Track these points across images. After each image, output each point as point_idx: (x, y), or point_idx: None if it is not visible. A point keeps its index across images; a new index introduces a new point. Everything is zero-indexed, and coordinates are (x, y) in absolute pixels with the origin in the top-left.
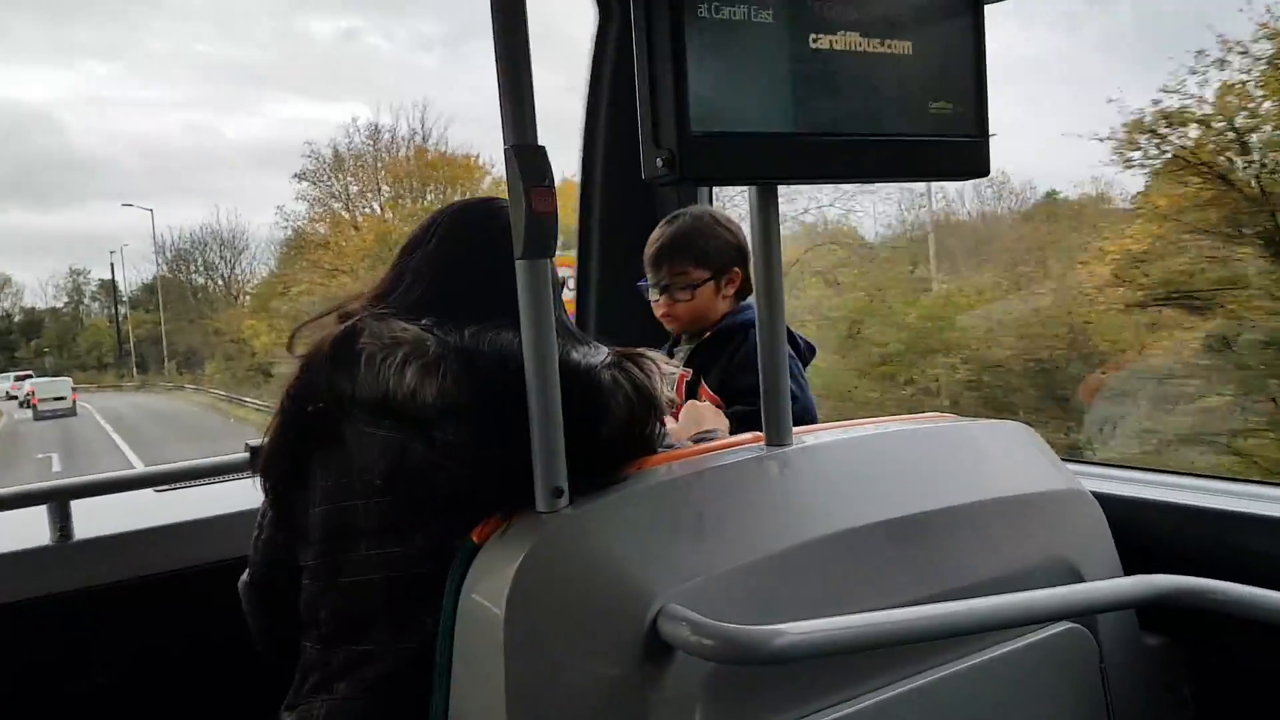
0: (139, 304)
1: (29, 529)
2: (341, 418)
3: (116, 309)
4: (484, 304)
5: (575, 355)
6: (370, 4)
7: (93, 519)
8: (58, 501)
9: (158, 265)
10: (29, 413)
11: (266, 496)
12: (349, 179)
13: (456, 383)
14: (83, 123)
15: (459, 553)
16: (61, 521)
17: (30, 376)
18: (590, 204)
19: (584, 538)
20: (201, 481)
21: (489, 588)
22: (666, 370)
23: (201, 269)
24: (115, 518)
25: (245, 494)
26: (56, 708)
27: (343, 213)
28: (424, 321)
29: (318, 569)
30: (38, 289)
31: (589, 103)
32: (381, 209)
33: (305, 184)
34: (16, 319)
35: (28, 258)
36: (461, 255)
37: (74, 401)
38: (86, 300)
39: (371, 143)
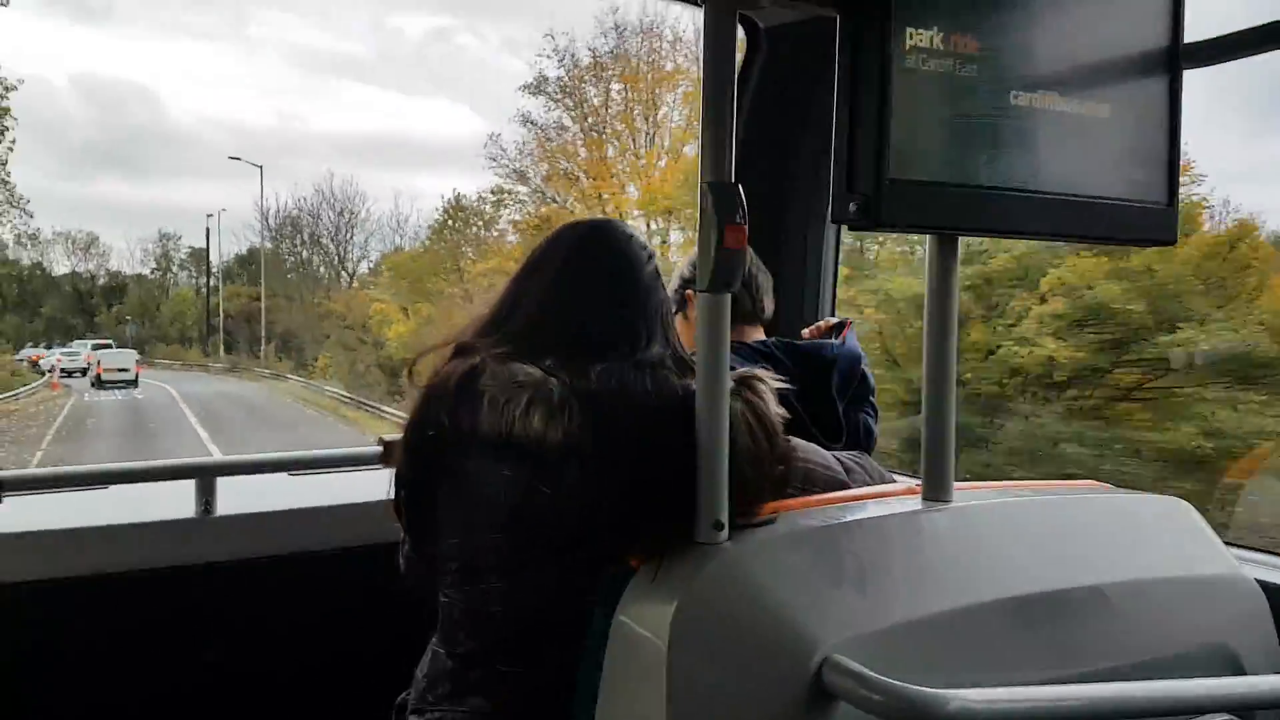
0: (232, 276)
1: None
2: (465, 453)
3: (208, 278)
4: (607, 337)
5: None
6: (463, 4)
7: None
8: (204, 478)
9: (262, 232)
10: (102, 392)
11: (402, 518)
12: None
13: (581, 426)
14: (179, 101)
15: (610, 579)
16: (206, 496)
17: (109, 346)
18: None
19: (745, 573)
20: (333, 470)
21: (648, 615)
22: (775, 386)
23: (307, 242)
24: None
25: (373, 484)
26: (188, 670)
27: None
28: (547, 363)
29: (451, 595)
30: (125, 253)
31: None
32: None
33: (542, 98)
34: (101, 281)
35: (117, 225)
36: (585, 286)
37: (137, 374)
38: (175, 268)
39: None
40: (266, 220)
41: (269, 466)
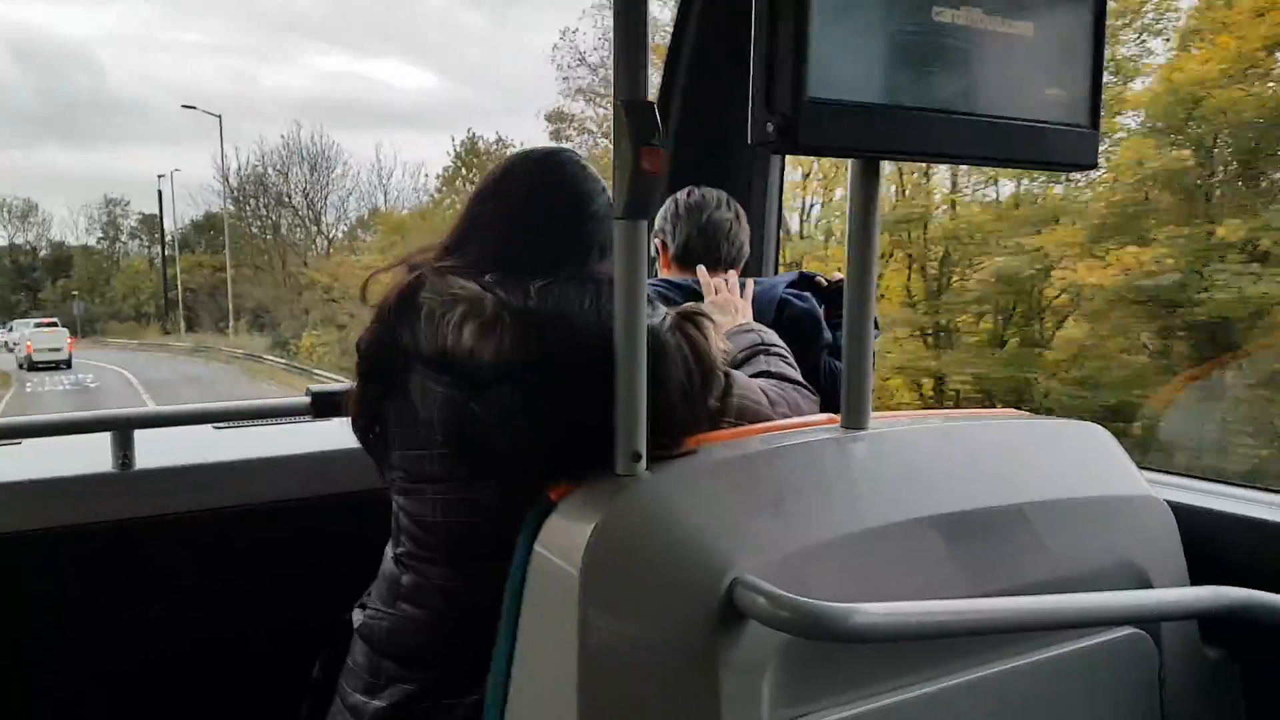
0: (190, 245)
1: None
2: (407, 369)
3: (162, 248)
4: (550, 258)
5: (650, 324)
6: None
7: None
8: (121, 430)
9: (224, 194)
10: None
11: (360, 439)
12: None
13: (514, 344)
14: (122, 64)
15: (532, 508)
16: (124, 450)
17: (55, 325)
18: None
19: (661, 503)
20: (260, 422)
21: (564, 545)
22: (720, 322)
23: (274, 204)
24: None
25: (303, 436)
26: (111, 630)
27: None
28: (487, 278)
29: (399, 501)
30: (68, 222)
31: (667, 64)
32: None
33: None
34: (42, 253)
35: (60, 195)
36: (529, 208)
37: (70, 353)
38: (124, 238)
39: None
40: (227, 180)
41: (190, 418)
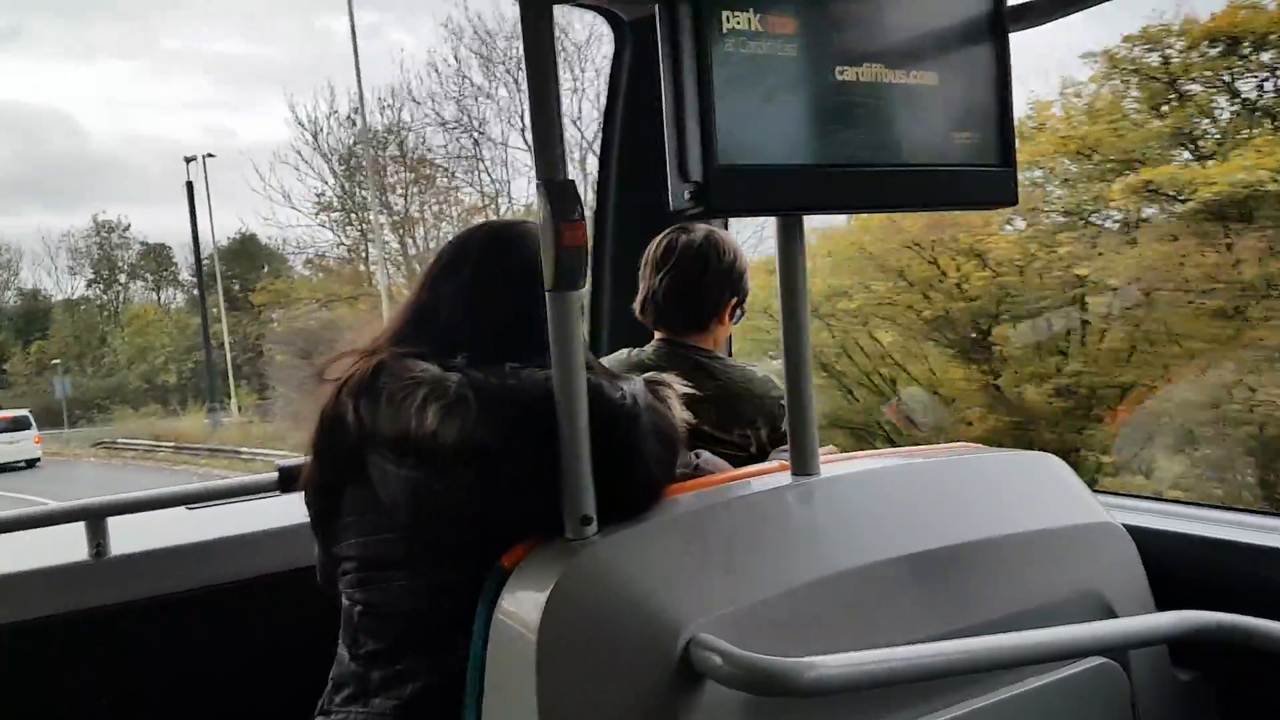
0: (230, 275)
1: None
2: (367, 453)
3: (200, 275)
4: (523, 338)
5: (611, 392)
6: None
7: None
8: (94, 519)
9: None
10: None
11: (311, 521)
12: None
13: (477, 422)
14: (102, 124)
15: (489, 577)
16: (98, 538)
17: (23, 421)
18: (604, 226)
19: (614, 565)
20: (232, 500)
21: (521, 612)
22: (682, 391)
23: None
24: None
25: (273, 511)
26: (92, 718)
27: None
28: (455, 361)
29: (354, 595)
30: (43, 257)
31: (604, 126)
32: None
33: None
34: (8, 303)
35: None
36: (499, 287)
37: (39, 454)
38: (122, 278)
39: None
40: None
41: (163, 503)
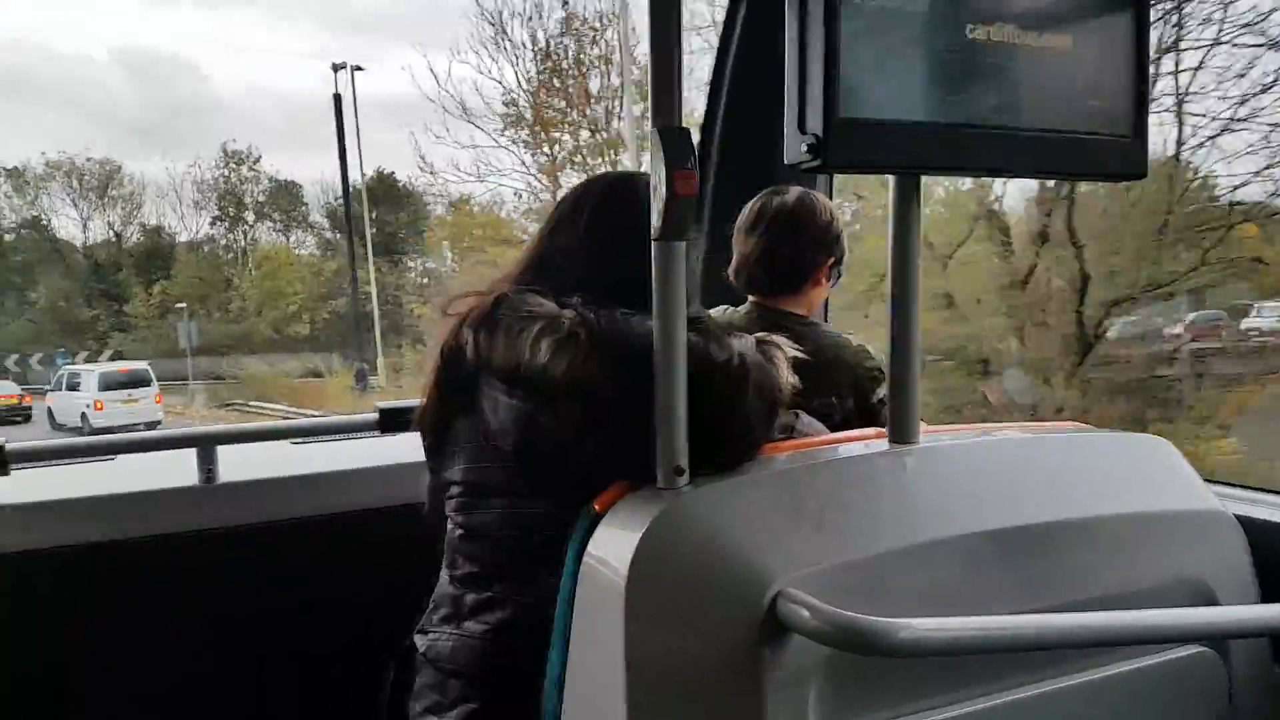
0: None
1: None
2: (480, 383)
3: (348, 200)
4: (636, 288)
5: (718, 347)
6: None
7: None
8: (204, 446)
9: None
10: None
11: (425, 452)
12: None
13: (587, 360)
14: (223, 72)
15: (580, 519)
16: (208, 465)
17: (137, 376)
18: (704, 186)
19: (705, 516)
20: (334, 437)
21: (611, 556)
22: (791, 354)
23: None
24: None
25: (372, 451)
26: (196, 635)
27: None
28: (573, 300)
29: (456, 519)
30: (169, 191)
31: (712, 81)
32: None
33: None
34: (131, 241)
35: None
36: (614, 236)
37: (159, 406)
38: (249, 216)
39: None
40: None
41: (269, 435)
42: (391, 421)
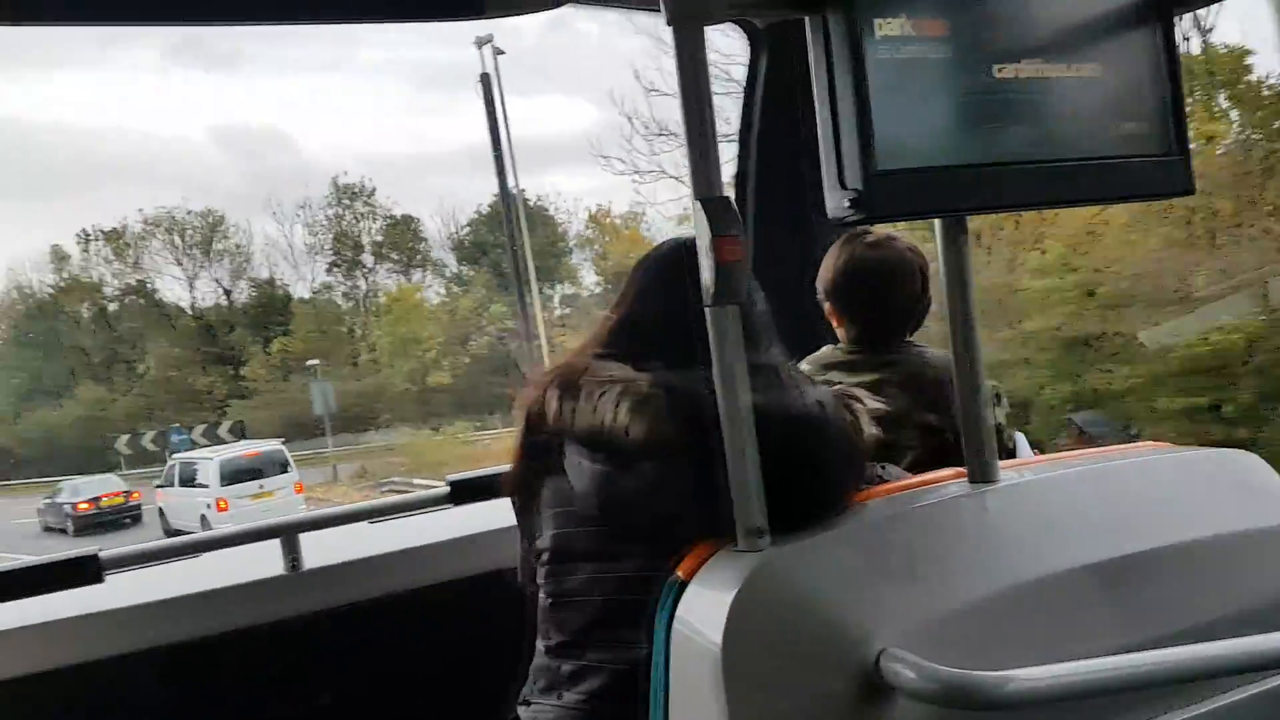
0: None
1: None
2: (564, 447)
3: (506, 202)
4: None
5: (800, 402)
6: None
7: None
8: (289, 535)
9: None
10: None
11: (516, 517)
12: None
13: (664, 420)
14: (311, 137)
15: (664, 586)
16: (293, 553)
17: (280, 461)
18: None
19: (793, 576)
20: (408, 514)
21: (703, 623)
22: (872, 407)
23: None
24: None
25: (445, 524)
26: None
27: None
28: (651, 363)
29: (546, 586)
30: (277, 238)
31: (741, 133)
32: None
33: None
34: (241, 296)
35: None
36: (685, 302)
37: (300, 496)
38: (366, 257)
39: None
40: None
41: (346, 518)
42: (463, 493)
